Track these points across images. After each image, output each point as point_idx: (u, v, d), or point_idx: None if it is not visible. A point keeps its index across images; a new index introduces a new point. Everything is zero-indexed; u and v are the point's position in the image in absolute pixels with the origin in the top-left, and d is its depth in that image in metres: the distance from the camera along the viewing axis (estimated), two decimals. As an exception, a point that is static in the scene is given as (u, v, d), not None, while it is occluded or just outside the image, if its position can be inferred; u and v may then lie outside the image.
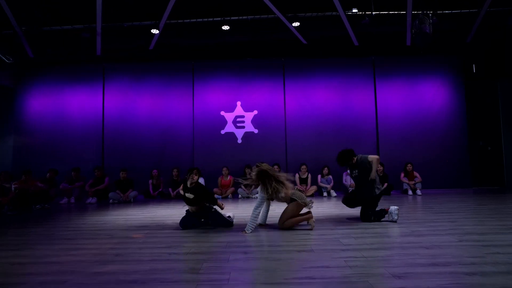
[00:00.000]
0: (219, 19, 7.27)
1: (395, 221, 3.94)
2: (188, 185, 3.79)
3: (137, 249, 2.98)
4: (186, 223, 3.83)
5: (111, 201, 6.88)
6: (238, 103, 8.44)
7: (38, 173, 7.22)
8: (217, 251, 2.86)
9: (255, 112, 8.39)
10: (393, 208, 3.99)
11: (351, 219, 4.23)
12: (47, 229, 4.03)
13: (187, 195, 3.78)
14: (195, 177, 3.82)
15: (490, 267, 2.26)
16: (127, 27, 7.01)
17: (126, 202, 6.89)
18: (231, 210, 5.33)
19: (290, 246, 2.97)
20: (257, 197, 3.73)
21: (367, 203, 4.08)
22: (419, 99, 8.43)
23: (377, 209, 4.13)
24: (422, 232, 3.41)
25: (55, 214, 5.32)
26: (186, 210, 3.97)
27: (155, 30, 6.98)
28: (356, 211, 4.59)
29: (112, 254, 2.79)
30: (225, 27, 7.40)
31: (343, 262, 2.44)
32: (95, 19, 6.78)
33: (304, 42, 7.75)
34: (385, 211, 4.03)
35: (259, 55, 8.59)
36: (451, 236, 3.18)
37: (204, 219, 3.91)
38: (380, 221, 4.02)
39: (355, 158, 4.18)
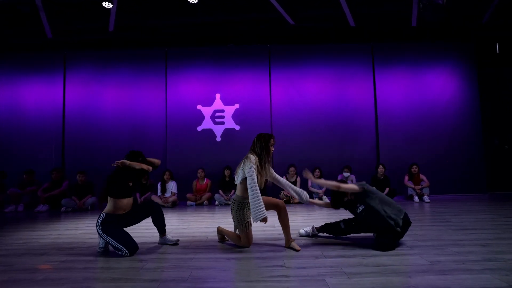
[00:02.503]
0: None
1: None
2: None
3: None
4: (133, 244, 2.83)
5: (63, 209, 5.85)
6: (217, 95, 7.39)
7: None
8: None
9: (237, 106, 7.34)
10: None
11: (346, 240, 3.18)
12: None
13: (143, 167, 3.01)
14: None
15: None
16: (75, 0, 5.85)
17: (82, 210, 5.87)
18: (207, 219, 4.35)
19: (248, 294, 1.92)
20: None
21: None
22: (425, 90, 7.38)
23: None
24: (446, 264, 2.35)
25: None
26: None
27: (108, 4, 5.85)
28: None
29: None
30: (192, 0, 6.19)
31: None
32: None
33: (292, 22, 6.67)
34: None
35: (241, 40, 7.52)
36: (492, 274, 2.13)
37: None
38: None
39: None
